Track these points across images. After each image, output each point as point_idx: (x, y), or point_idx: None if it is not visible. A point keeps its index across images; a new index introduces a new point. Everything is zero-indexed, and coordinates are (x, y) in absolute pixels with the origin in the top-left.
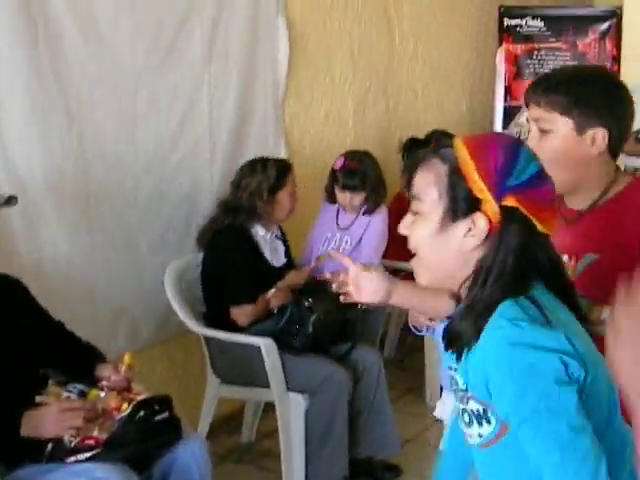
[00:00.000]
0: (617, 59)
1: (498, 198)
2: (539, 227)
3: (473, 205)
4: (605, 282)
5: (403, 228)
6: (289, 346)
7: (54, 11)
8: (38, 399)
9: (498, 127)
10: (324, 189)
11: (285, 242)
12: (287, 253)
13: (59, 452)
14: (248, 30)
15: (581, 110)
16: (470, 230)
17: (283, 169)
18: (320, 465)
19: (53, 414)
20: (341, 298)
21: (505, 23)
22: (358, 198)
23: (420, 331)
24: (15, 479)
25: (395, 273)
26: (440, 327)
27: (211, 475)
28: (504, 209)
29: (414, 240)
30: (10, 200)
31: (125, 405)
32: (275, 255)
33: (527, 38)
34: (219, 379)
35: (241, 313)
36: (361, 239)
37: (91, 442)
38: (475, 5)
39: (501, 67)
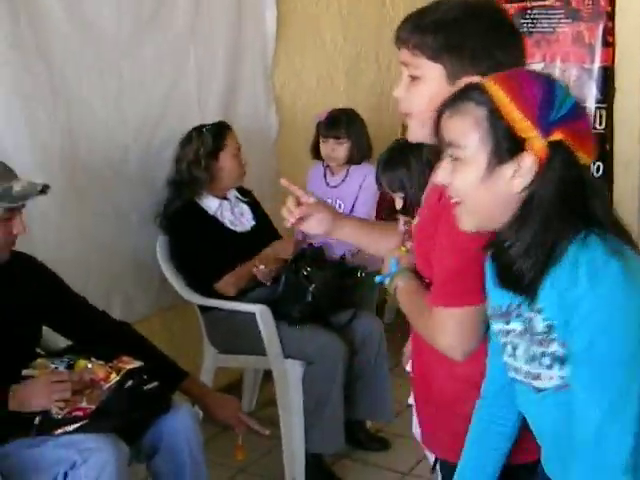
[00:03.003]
0: (611, 15)
1: (545, 134)
2: (583, 158)
3: (517, 146)
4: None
5: (443, 177)
6: (287, 315)
7: None
8: (25, 372)
9: None
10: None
11: (253, 203)
12: (258, 214)
13: (47, 425)
14: None
15: (452, 54)
16: (516, 171)
17: (219, 130)
18: (317, 433)
19: (40, 387)
20: (286, 223)
21: None
22: (342, 148)
23: None
24: (3, 453)
25: None
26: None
27: (202, 445)
28: (550, 144)
29: (458, 187)
30: (44, 189)
31: (113, 375)
32: (240, 220)
33: None
34: (216, 349)
35: (224, 285)
36: (354, 205)
37: (79, 413)
38: None
39: None
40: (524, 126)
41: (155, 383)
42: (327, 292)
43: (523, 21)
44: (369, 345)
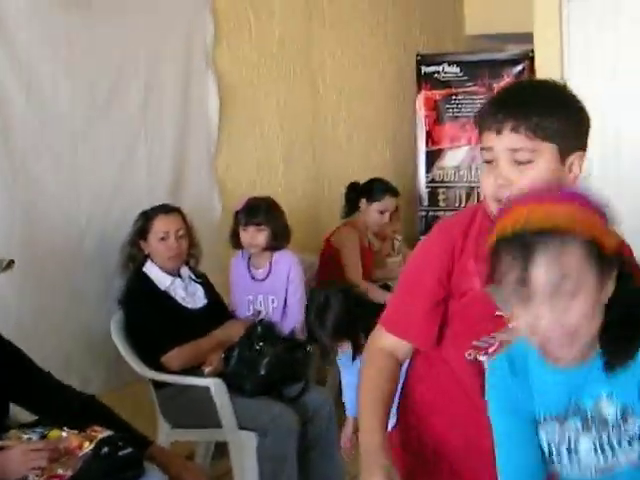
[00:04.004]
0: None
1: None
2: None
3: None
4: None
5: None
6: (240, 388)
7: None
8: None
9: (422, 171)
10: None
11: (206, 284)
12: (210, 294)
13: None
14: (180, 87)
15: (565, 134)
16: None
17: (149, 214)
18: None
19: (17, 455)
20: None
21: (423, 70)
22: (262, 235)
23: None
24: None
25: None
26: None
27: None
28: None
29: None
30: (10, 264)
31: (87, 443)
32: (192, 298)
33: (445, 84)
34: (170, 423)
35: (169, 359)
36: (285, 297)
37: None
38: (393, 55)
39: (421, 113)
40: None
41: (129, 449)
42: (279, 365)
43: (449, 106)
44: (319, 417)
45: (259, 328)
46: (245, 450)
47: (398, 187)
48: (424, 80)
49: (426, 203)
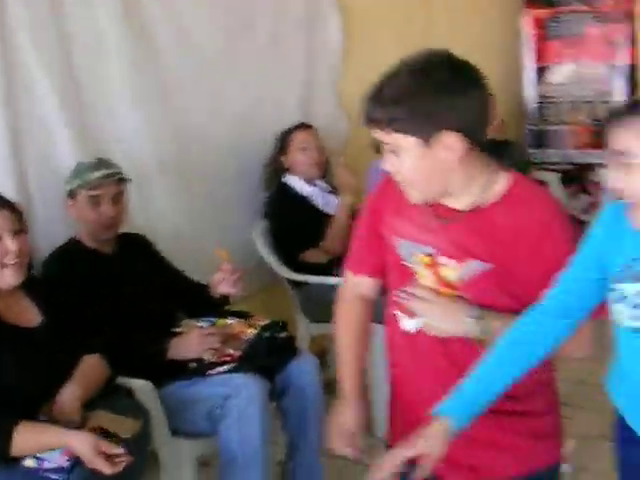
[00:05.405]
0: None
1: None
2: None
3: None
4: (501, 295)
5: (615, 182)
6: None
7: (150, 16)
8: (177, 330)
9: (529, 86)
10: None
11: (336, 194)
12: None
13: (201, 368)
14: (305, 18)
15: (418, 124)
16: None
17: (288, 130)
18: None
19: (195, 338)
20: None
21: None
22: None
23: None
24: (166, 393)
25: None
26: None
27: (321, 388)
28: None
29: (632, 190)
30: (123, 178)
31: (251, 329)
32: (328, 205)
33: (550, 2)
34: (308, 319)
35: (312, 255)
36: None
37: (228, 358)
38: None
39: (528, 31)
40: None
41: (286, 333)
42: None
43: (554, 24)
44: None
45: None
46: (378, 341)
47: (505, 102)
48: None
49: (534, 118)
